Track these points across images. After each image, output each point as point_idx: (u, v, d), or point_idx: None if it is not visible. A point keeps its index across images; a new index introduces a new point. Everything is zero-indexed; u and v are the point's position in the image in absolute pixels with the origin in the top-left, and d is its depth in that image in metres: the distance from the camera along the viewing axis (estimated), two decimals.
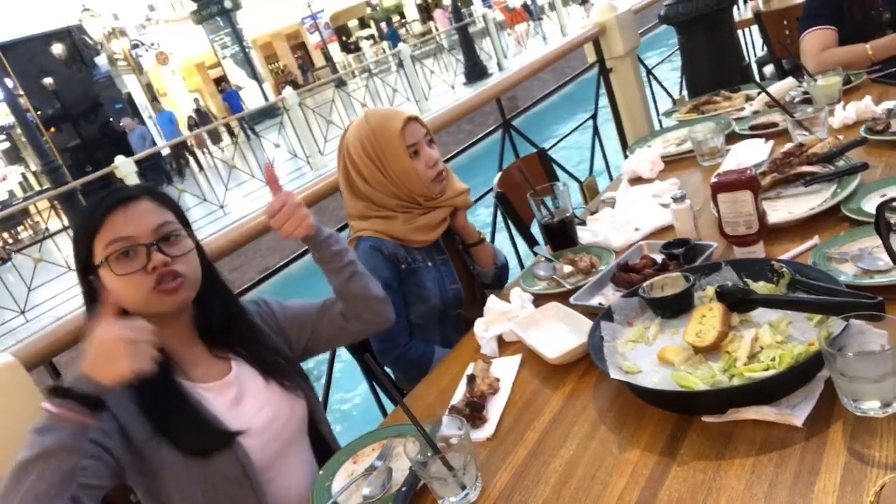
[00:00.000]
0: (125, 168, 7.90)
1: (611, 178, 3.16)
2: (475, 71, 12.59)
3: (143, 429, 1.10)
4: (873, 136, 1.55)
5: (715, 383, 0.94)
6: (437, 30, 20.68)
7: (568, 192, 1.63)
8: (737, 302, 1.06)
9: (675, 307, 1.15)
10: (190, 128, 17.29)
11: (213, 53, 21.44)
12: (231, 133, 12.69)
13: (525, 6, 21.19)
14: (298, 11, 28.76)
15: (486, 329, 1.37)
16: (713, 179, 1.32)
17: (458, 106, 2.33)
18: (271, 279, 1.87)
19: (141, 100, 20.09)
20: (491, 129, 2.51)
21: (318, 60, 28.97)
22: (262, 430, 1.20)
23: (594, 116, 2.97)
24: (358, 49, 29.68)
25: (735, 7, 3.07)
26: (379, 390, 1.98)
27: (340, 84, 16.93)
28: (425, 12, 31.74)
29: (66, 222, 8.39)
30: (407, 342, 1.67)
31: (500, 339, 1.36)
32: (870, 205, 1.29)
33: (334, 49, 29.24)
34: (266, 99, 19.20)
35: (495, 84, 2.52)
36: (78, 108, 17.94)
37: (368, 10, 32.64)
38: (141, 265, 1.11)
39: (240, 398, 1.22)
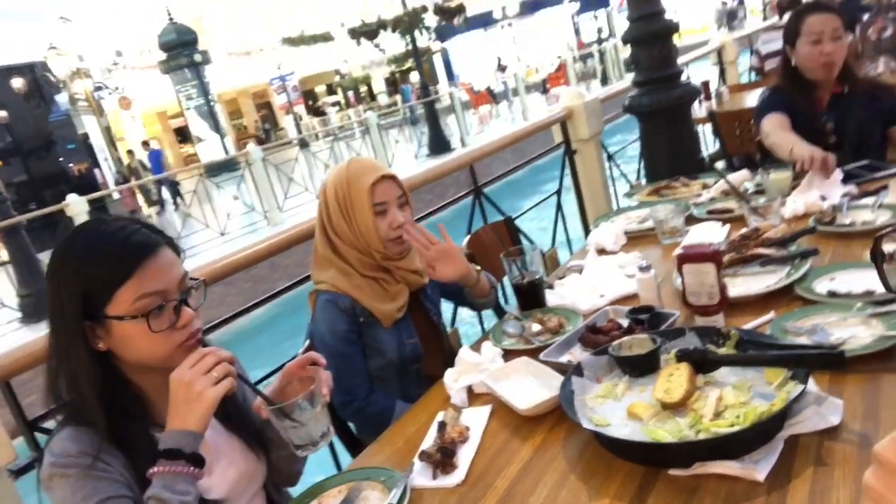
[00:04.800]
0: (76, 207, 7.72)
1: (570, 250, 3.28)
2: (439, 144, 12.96)
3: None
4: (822, 226, 1.69)
5: (682, 437, 0.99)
6: (402, 102, 21.29)
7: (539, 255, 1.70)
8: (701, 363, 1.12)
9: (642, 367, 1.20)
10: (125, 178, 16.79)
11: (178, 103, 21.47)
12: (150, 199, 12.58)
13: (489, 90, 22.11)
14: (268, 72, 29.27)
15: (456, 379, 1.39)
16: (679, 251, 1.41)
17: (433, 169, 2.42)
18: (218, 330, 1.85)
19: (98, 142, 19.79)
20: (463, 193, 2.60)
21: (282, 121, 29.34)
22: (229, 490, 1.16)
23: (558, 192, 3.11)
24: (323, 113, 30.21)
25: (696, 103, 3.31)
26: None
27: (304, 145, 17.13)
28: (392, 86, 32.72)
29: (6, 257, 8.06)
30: (367, 395, 1.67)
31: (469, 390, 1.38)
32: (821, 286, 1.39)
33: (300, 111, 29.71)
34: (227, 152, 19.17)
35: (470, 151, 2.63)
36: (30, 143, 17.55)
37: (337, 78, 33.45)
38: (170, 321, 1.06)
39: (209, 454, 1.18)
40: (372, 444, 1.32)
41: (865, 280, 1.36)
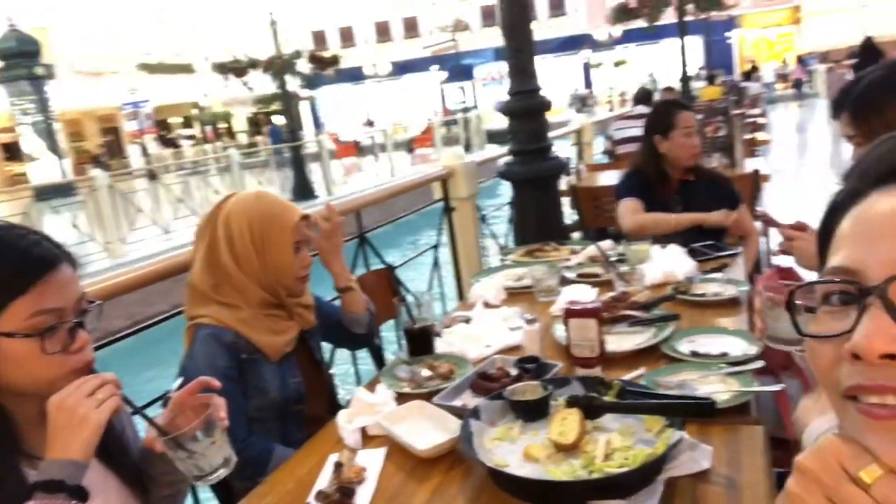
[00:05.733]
0: None
1: (444, 303, 3.37)
2: (304, 190, 12.80)
3: None
4: (679, 294, 1.90)
5: (577, 477, 1.06)
6: (271, 143, 20.89)
7: (431, 303, 1.75)
8: (589, 409, 1.21)
9: (535, 412, 1.28)
10: None
11: (10, 117, 19.49)
12: None
13: (356, 143, 22.33)
14: (120, 96, 27.53)
15: (350, 420, 1.38)
16: (565, 307, 1.52)
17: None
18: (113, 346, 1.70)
19: None
20: (348, 238, 2.61)
21: (128, 148, 27.55)
22: None
23: (436, 247, 3.22)
24: (177, 146, 28.81)
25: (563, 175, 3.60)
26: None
27: (152, 176, 16.18)
28: (255, 126, 32.03)
29: None
30: (245, 437, 1.60)
31: (362, 431, 1.37)
32: (683, 347, 1.56)
33: (151, 140, 28.09)
34: (64, 175, 17.58)
35: (356, 198, 2.66)
36: None
37: (194, 111, 32.19)
38: (64, 344, 0.97)
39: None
40: (259, 485, 1.27)
41: (720, 343, 1.56)
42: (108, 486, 1.09)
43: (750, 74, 20.66)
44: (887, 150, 0.61)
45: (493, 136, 21.89)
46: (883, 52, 11.64)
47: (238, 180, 11.45)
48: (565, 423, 1.17)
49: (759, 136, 6.91)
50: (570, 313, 1.50)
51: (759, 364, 1.41)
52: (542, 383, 1.32)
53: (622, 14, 16.14)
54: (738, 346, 1.52)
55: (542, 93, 3.38)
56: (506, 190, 5.04)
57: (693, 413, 1.14)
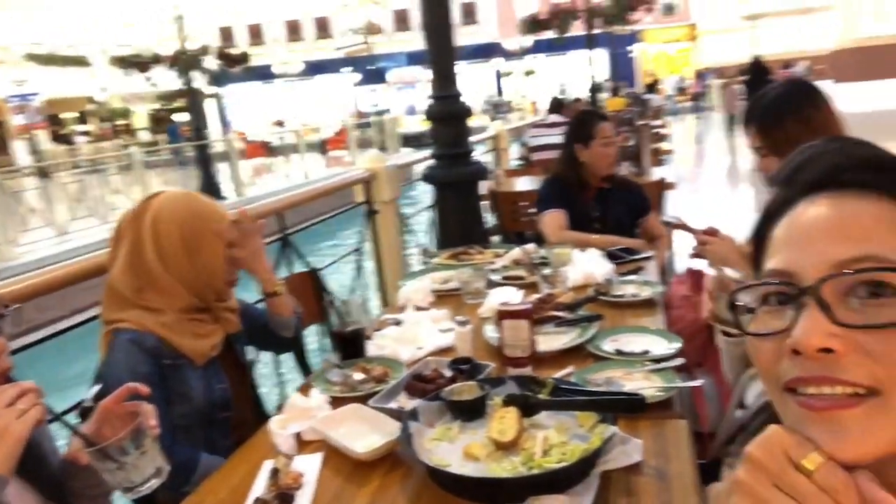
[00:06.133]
0: None
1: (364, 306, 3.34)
2: (210, 190, 12.33)
3: None
4: (600, 295, 1.98)
5: (517, 473, 1.09)
6: (169, 142, 20.00)
7: (362, 306, 1.74)
8: (526, 407, 1.24)
9: (472, 411, 1.30)
10: None
11: None
12: None
13: (265, 143, 21.77)
14: (4, 87, 25.57)
15: (284, 426, 1.35)
16: (499, 308, 1.56)
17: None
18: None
19: None
20: (270, 240, 2.55)
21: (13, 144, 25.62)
22: None
23: (359, 250, 3.19)
24: (70, 142, 27.07)
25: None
26: None
27: (43, 174, 15.14)
28: (158, 123, 30.57)
29: None
30: (169, 445, 1.52)
31: (297, 437, 1.35)
32: (607, 346, 1.63)
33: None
34: None
35: (277, 199, 2.60)
36: None
37: (90, 106, 30.36)
38: None
39: None
40: (189, 495, 1.22)
41: (642, 341, 1.63)
42: (26, 502, 1.02)
43: (652, 87, 21.76)
44: (808, 162, 0.67)
45: (408, 140, 21.95)
46: (770, 70, 12.60)
47: (141, 180, 10.88)
48: (504, 421, 1.20)
49: (663, 146, 7.30)
50: (503, 314, 1.53)
51: (681, 361, 1.49)
52: (479, 383, 1.35)
53: (532, 25, 16.62)
54: (659, 345, 1.60)
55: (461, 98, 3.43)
56: (421, 194, 5.08)
57: (625, 408, 1.19)
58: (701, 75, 27.81)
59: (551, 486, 1.05)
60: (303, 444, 1.34)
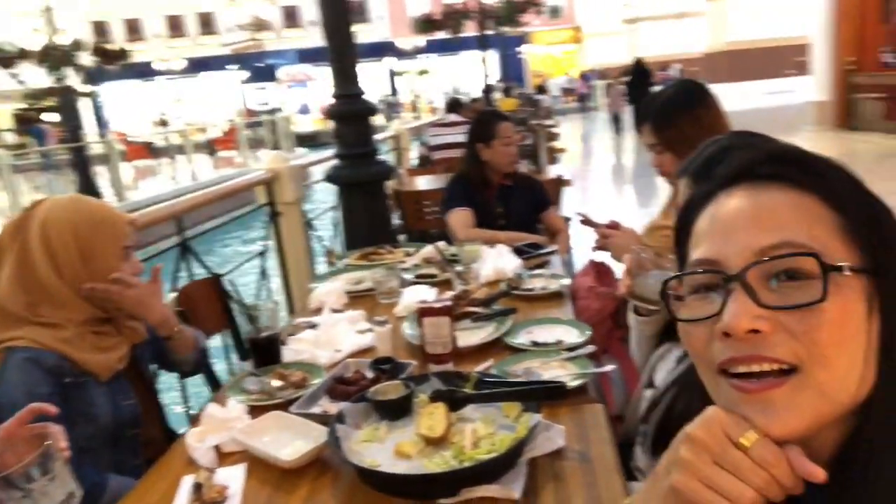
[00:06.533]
0: None
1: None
2: (89, 195, 11.51)
3: None
4: (512, 290, 2.03)
5: (450, 467, 1.10)
6: (33, 145, 18.54)
7: (276, 310, 1.70)
8: (451, 401, 1.26)
9: (399, 410, 1.30)
10: None
11: None
12: None
13: (148, 144, 20.66)
14: None
15: (201, 439, 1.29)
16: (420, 306, 1.57)
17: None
18: None
19: None
20: (167, 246, 2.43)
21: None
22: None
23: (262, 254, 3.10)
24: None
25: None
26: None
27: None
28: (25, 123, 28.14)
29: None
30: (74, 469, 1.43)
31: (217, 449, 1.29)
32: (523, 338, 1.68)
33: None
34: None
35: (175, 202, 2.47)
36: None
37: None
38: None
39: None
40: None
41: (555, 332, 1.70)
42: None
43: (542, 88, 22.49)
44: (720, 156, 0.73)
45: (303, 140, 21.49)
46: (650, 72, 13.38)
47: (9, 184, 10.00)
48: (432, 417, 1.21)
49: (556, 144, 7.58)
50: (424, 312, 1.54)
51: (592, 348, 1.56)
52: (403, 382, 1.35)
53: (426, 25, 16.75)
54: (571, 334, 1.67)
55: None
56: (320, 194, 5.00)
57: (548, 396, 1.24)
58: (586, 76, 29.07)
59: (484, 477, 1.08)
60: (223, 457, 1.29)
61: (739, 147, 1.00)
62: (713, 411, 0.60)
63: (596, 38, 34.07)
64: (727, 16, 26.51)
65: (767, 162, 0.65)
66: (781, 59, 24.38)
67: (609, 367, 1.57)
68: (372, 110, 3.42)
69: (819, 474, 0.56)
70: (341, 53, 3.28)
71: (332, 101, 3.36)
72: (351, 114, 3.31)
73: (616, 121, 14.94)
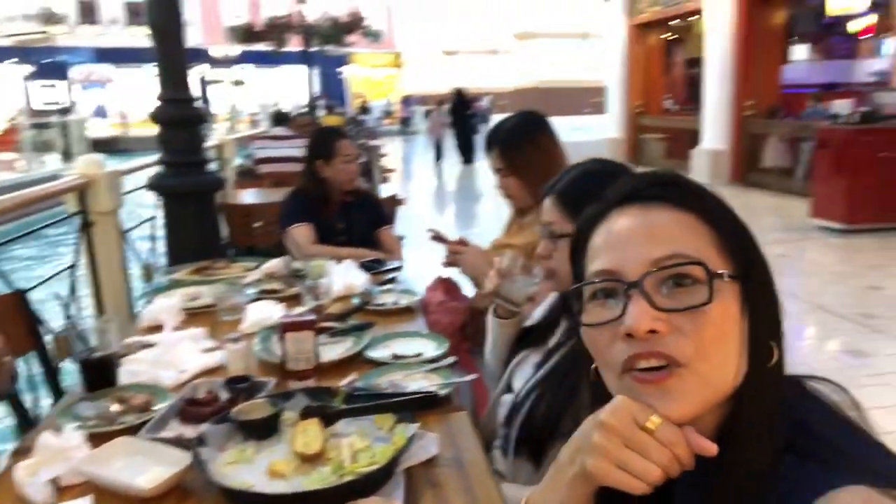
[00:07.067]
0: None
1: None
2: None
3: None
4: (365, 305, 2.03)
5: (330, 484, 1.08)
6: None
7: (113, 329, 1.54)
8: (324, 417, 1.23)
9: (266, 429, 1.24)
10: None
11: None
12: None
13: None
14: None
15: (33, 473, 1.13)
16: (282, 321, 1.51)
17: None
18: None
19: None
20: None
21: None
22: None
23: (73, 266, 2.76)
24: None
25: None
26: None
27: None
28: None
29: None
30: None
31: (53, 483, 1.14)
32: (383, 352, 1.68)
33: None
34: None
35: None
36: None
37: None
38: None
39: None
40: None
41: (413, 345, 1.73)
42: None
43: (365, 109, 22.64)
44: (582, 175, 0.82)
45: (98, 145, 19.56)
46: (470, 101, 14.12)
47: None
48: (307, 433, 1.17)
49: (385, 164, 7.68)
50: (287, 327, 1.49)
51: (453, 359, 1.62)
52: (269, 400, 1.30)
53: (246, 35, 16.15)
54: (429, 347, 1.71)
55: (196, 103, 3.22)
56: (132, 205, 4.60)
57: (421, 406, 1.26)
58: (406, 101, 29.85)
59: (366, 490, 1.07)
60: (63, 491, 1.14)
61: (608, 172, 1.11)
62: (621, 400, 0.67)
63: (415, 64, 35.20)
64: (536, 56, 28.92)
65: (650, 185, 0.75)
66: (580, 99, 27.07)
67: (473, 376, 1.62)
68: (202, 116, 3.25)
69: (712, 448, 0.64)
70: (170, 56, 3.08)
71: (158, 103, 3.13)
72: (180, 119, 3.11)
73: (438, 147, 15.49)
